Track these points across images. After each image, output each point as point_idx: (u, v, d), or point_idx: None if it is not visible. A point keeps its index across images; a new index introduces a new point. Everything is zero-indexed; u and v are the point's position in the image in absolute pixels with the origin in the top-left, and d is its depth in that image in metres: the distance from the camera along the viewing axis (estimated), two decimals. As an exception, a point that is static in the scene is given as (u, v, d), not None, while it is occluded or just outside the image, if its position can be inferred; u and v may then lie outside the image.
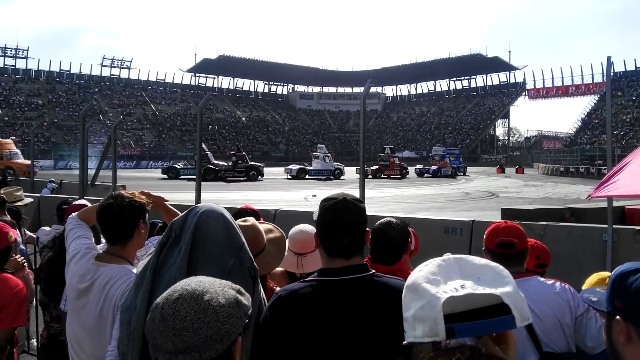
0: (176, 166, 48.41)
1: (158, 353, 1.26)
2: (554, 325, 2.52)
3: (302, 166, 49.91)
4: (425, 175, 53.98)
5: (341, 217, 2.02)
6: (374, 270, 2.04)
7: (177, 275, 1.88)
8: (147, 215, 2.75)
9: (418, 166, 57.43)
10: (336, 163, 50.74)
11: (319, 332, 1.89)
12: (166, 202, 3.17)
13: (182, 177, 45.02)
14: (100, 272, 2.58)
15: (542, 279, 2.69)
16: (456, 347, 1.11)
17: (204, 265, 1.97)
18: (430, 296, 1.25)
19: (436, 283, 1.28)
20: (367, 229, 2.10)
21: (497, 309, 1.23)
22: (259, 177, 45.62)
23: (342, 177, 47.99)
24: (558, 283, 2.66)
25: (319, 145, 55.37)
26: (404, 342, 1.31)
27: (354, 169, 49.43)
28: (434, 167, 55.00)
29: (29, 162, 29.31)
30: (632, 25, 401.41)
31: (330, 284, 1.97)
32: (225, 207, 2.21)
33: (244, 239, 2.10)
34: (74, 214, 3.02)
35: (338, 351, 1.87)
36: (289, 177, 47.51)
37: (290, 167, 50.34)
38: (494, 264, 1.36)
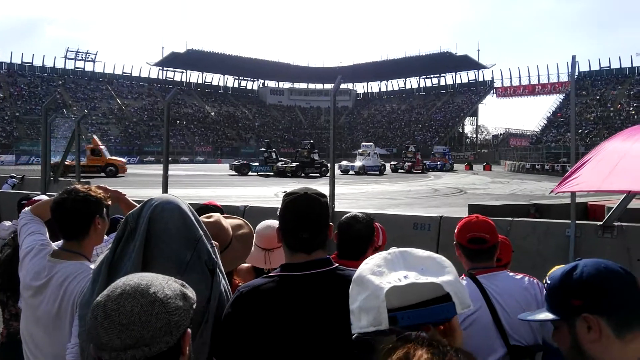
0: (251, 164, 49.00)
1: (103, 352, 1.21)
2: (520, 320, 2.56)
3: (362, 164, 51.97)
4: (433, 169, 60.50)
5: (302, 211, 2.02)
6: (337, 264, 2.04)
7: (133, 270, 1.81)
8: (104, 210, 2.66)
9: (426, 162, 61.55)
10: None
11: (281, 327, 1.88)
12: (124, 196, 3.09)
13: (251, 174, 46.27)
14: (57, 269, 2.49)
15: (510, 274, 2.71)
16: (414, 338, 1.13)
17: (159, 259, 1.93)
18: (374, 287, 1.28)
19: (380, 274, 1.32)
20: (331, 223, 2.09)
21: (441, 300, 1.27)
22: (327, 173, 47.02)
23: (385, 172, 52.76)
24: (527, 278, 2.68)
25: (365, 143, 59.71)
26: (353, 335, 1.34)
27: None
28: (439, 163, 62.78)
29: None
30: (597, 26, 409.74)
31: (293, 279, 1.96)
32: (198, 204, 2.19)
33: (201, 232, 2.06)
34: (26, 208, 2.91)
35: (300, 346, 1.86)
36: (352, 173, 49.97)
37: (347, 163, 52.66)
38: (436, 255, 1.40)
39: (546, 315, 1.49)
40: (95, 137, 47.24)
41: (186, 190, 24.40)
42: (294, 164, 45.74)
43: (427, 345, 1.07)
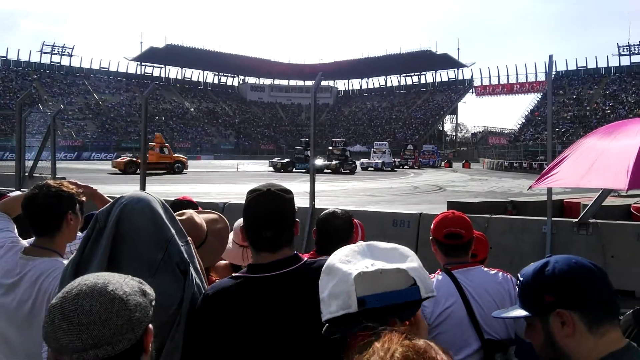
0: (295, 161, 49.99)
1: (63, 355, 1.16)
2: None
3: (382, 160, 55.95)
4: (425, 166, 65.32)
5: (263, 209, 1.95)
6: (306, 259, 1.99)
7: (98, 271, 1.72)
8: (77, 205, 2.61)
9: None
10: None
11: (247, 330, 1.84)
12: (97, 192, 3.04)
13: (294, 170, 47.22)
14: (30, 267, 2.44)
15: (485, 269, 2.73)
16: (388, 332, 1.14)
17: (128, 260, 1.87)
18: (342, 273, 1.33)
19: (349, 262, 1.37)
20: (297, 219, 2.03)
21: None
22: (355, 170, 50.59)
23: (396, 169, 56.82)
24: (500, 273, 2.70)
25: (378, 142, 64.82)
26: (323, 328, 1.37)
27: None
28: (431, 160, 68.51)
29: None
30: (575, 26, 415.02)
31: (258, 281, 1.91)
32: (166, 199, 2.13)
33: (173, 231, 1.99)
34: None
35: (268, 349, 1.82)
36: (371, 169, 54.09)
37: (367, 161, 57.12)
38: (400, 247, 1.45)
39: (519, 312, 1.50)
40: (158, 134, 47.50)
41: (164, 186, 24.20)
42: (334, 162, 48.41)
43: (402, 339, 1.07)
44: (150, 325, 1.27)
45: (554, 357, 1.44)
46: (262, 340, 1.83)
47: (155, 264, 1.90)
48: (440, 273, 2.68)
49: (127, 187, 17.41)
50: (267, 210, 1.94)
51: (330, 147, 52.95)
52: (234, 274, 2.06)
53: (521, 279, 1.52)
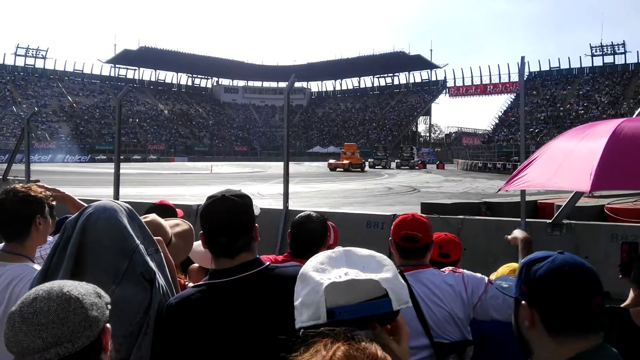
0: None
1: (26, 357, 1.20)
2: (445, 316, 2.56)
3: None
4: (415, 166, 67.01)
5: (216, 215, 1.96)
6: (268, 263, 2.01)
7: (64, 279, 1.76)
8: (46, 209, 2.59)
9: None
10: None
11: (212, 336, 1.85)
12: (66, 194, 3.04)
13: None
14: (1, 272, 2.42)
15: (436, 271, 2.72)
16: (335, 333, 1.16)
17: (92, 269, 1.87)
18: (314, 282, 1.33)
19: (323, 271, 1.37)
20: (256, 224, 2.05)
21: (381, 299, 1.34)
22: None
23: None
24: (453, 274, 2.69)
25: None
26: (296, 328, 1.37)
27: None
28: (427, 159, 72.95)
29: None
30: (548, 27, 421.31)
31: (220, 287, 1.92)
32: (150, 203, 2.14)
33: (138, 241, 1.99)
34: None
35: (233, 353, 1.83)
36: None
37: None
38: (377, 254, 1.45)
39: (509, 290, 1.57)
40: None
41: (138, 189, 23.99)
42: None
43: (344, 339, 1.10)
44: (108, 325, 1.32)
45: (521, 342, 1.51)
46: (227, 345, 1.84)
47: (120, 273, 1.90)
48: None
49: (100, 190, 17.18)
50: (221, 216, 1.96)
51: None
52: (196, 283, 2.08)
53: (527, 259, 1.55)
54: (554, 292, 1.42)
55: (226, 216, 1.96)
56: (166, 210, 3.83)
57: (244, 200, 2.01)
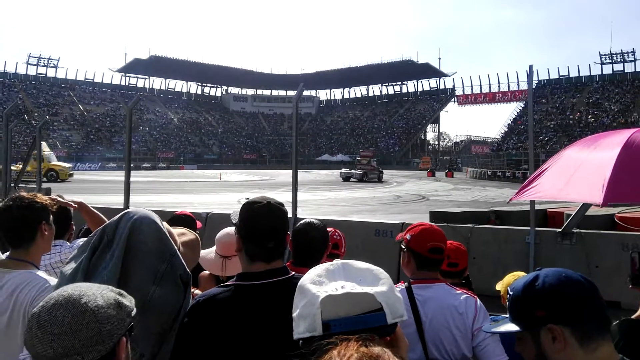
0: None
1: None
2: (446, 335, 2.53)
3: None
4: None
5: (266, 220, 2.03)
6: (294, 273, 2.04)
7: (110, 278, 1.90)
8: (50, 216, 2.64)
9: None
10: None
11: (236, 336, 1.89)
12: (83, 204, 3.11)
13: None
14: (7, 279, 2.43)
15: (449, 287, 2.65)
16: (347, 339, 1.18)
17: (136, 270, 2.00)
18: (311, 295, 1.37)
19: (320, 284, 1.40)
20: (288, 232, 2.12)
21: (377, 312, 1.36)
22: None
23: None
24: (465, 297, 2.61)
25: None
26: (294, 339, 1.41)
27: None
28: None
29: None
30: (556, 35, 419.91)
31: (250, 289, 1.97)
32: (160, 211, 2.22)
33: (175, 247, 2.14)
34: None
35: (255, 355, 1.86)
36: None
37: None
38: (374, 267, 1.47)
39: (510, 327, 1.49)
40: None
41: (147, 196, 24.05)
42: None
43: (358, 346, 1.11)
44: (124, 338, 1.33)
45: None
46: (250, 346, 1.87)
47: (160, 274, 2.04)
48: (401, 285, 2.64)
49: (111, 198, 17.24)
50: (270, 222, 2.04)
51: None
52: (224, 283, 2.12)
53: (511, 293, 1.51)
54: (574, 299, 1.40)
55: (275, 222, 2.05)
56: (188, 221, 3.88)
57: (284, 208, 2.11)
